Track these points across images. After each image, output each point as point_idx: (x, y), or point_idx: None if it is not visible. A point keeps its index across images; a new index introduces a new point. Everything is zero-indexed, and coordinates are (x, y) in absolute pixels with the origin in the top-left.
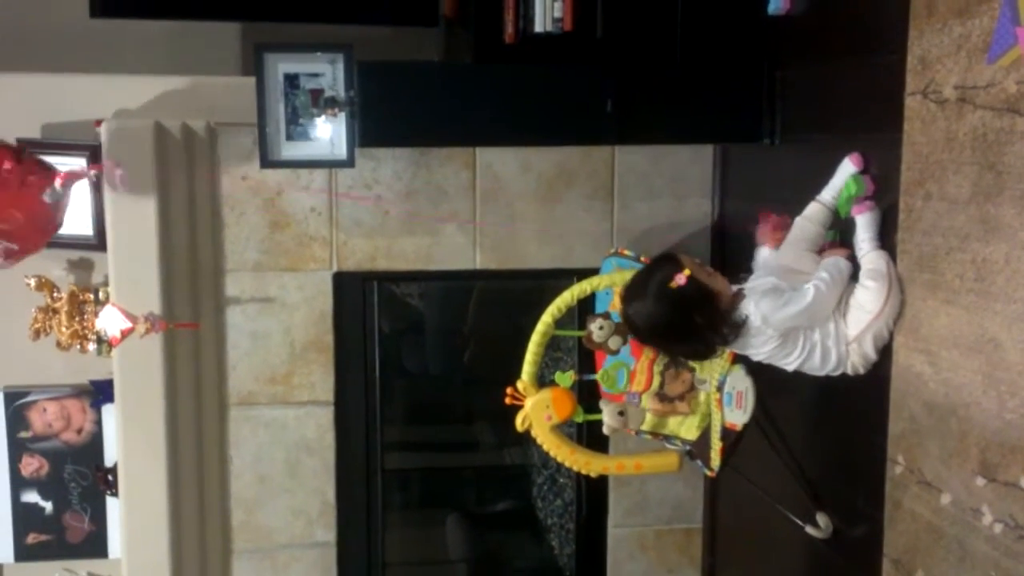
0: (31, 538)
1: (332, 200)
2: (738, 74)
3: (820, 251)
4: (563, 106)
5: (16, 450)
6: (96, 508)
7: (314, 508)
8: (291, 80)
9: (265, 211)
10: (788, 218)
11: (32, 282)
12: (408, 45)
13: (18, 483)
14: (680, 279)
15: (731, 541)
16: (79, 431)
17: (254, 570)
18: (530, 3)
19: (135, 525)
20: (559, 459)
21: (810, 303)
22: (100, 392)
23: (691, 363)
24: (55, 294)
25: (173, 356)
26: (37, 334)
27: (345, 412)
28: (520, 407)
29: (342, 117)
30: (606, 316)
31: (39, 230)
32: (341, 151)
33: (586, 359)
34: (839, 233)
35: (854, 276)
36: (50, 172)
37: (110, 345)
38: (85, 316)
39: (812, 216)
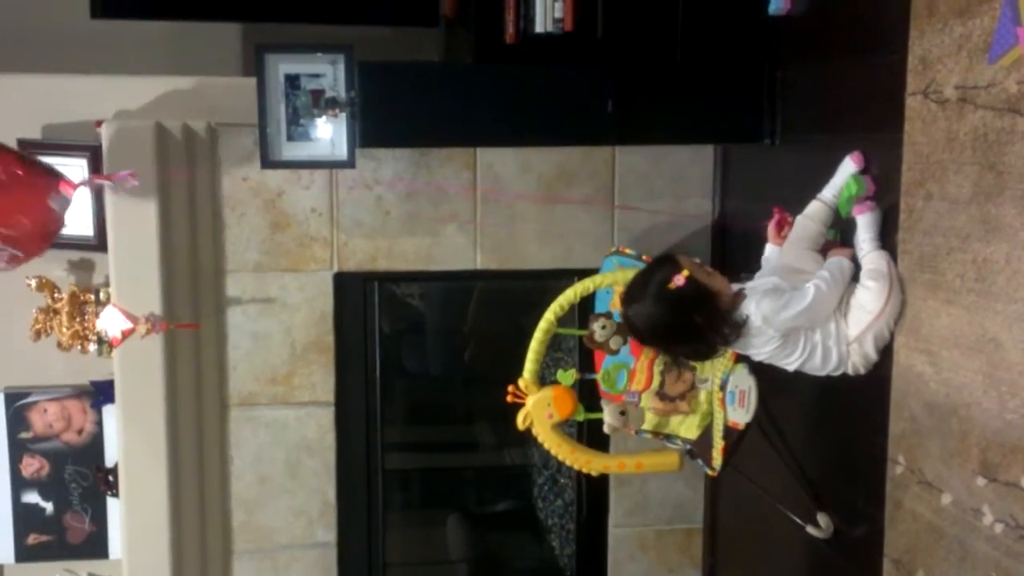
0: (32, 539)
1: (333, 200)
2: (739, 74)
3: (823, 251)
4: (563, 106)
5: (17, 451)
6: (97, 509)
7: (315, 508)
8: (292, 81)
9: (266, 212)
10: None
11: (33, 283)
12: (408, 45)
13: (19, 484)
14: (679, 280)
15: (732, 541)
16: (80, 432)
17: (255, 570)
18: (531, 3)
19: (136, 526)
20: (560, 458)
21: (810, 303)
22: (101, 393)
23: (693, 363)
24: (56, 295)
25: (174, 357)
26: (38, 335)
27: (346, 412)
28: (521, 405)
29: (343, 117)
30: (608, 316)
31: (44, 236)
32: (342, 151)
33: (587, 358)
34: (840, 233)
35: (855, 276)
36: (57, 179)
37: (111, 346)
38: (86, 317)
39: (813, 215)
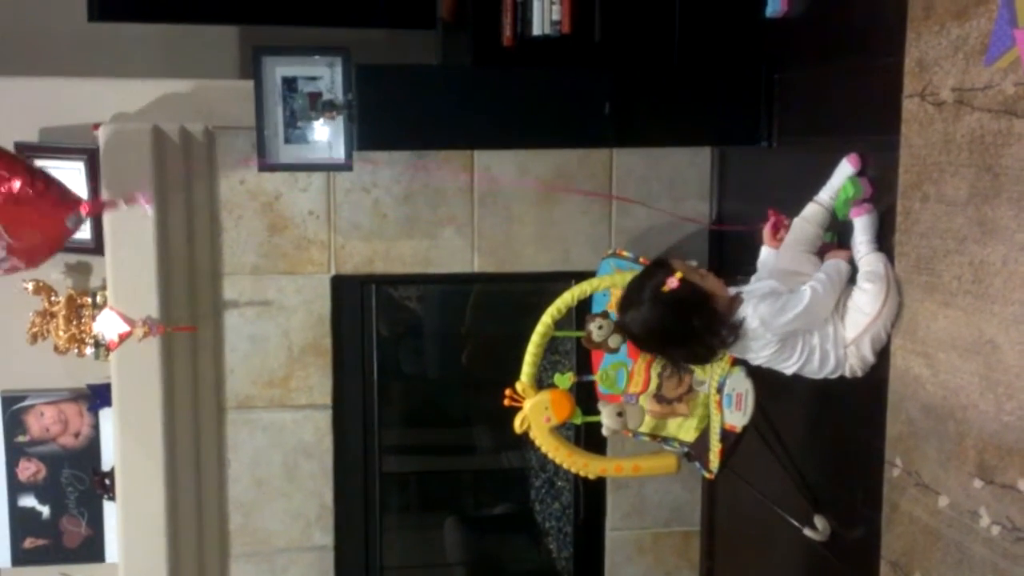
0: (28, 542)
1: (330, 203)
2: (736, 76)
3: (820, 253)
4: (561, 109)
5: (13, 454)
6: (93, 512)
7: (312, 511)
8: (289, 83)
9: (263, 214)
10: (788, 219)
11: (30, 286)
12: (406, 48)
13: (15, 487)
14: (672, 282)
15: (729, 544)
16: (76, 435)
17: (252, 574)
18: (528, 6)
19: (132, 529)
20: (557, 461)
21: (807, 305)
22: (97, 396)
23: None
24: (53, 298)
25: (171, 360)
26: (35, 338)
27: (343, 415)
28: (518, 409)
29: (340, 120)
30: (604, 315)
31: (50, 252)
32: (339, 154)
33: (584, 361)
34: (836, 235)
35: (852, 278)
36: (77, 200)
37: (108, 349)
38: (83, 320)
39: (810, 217)
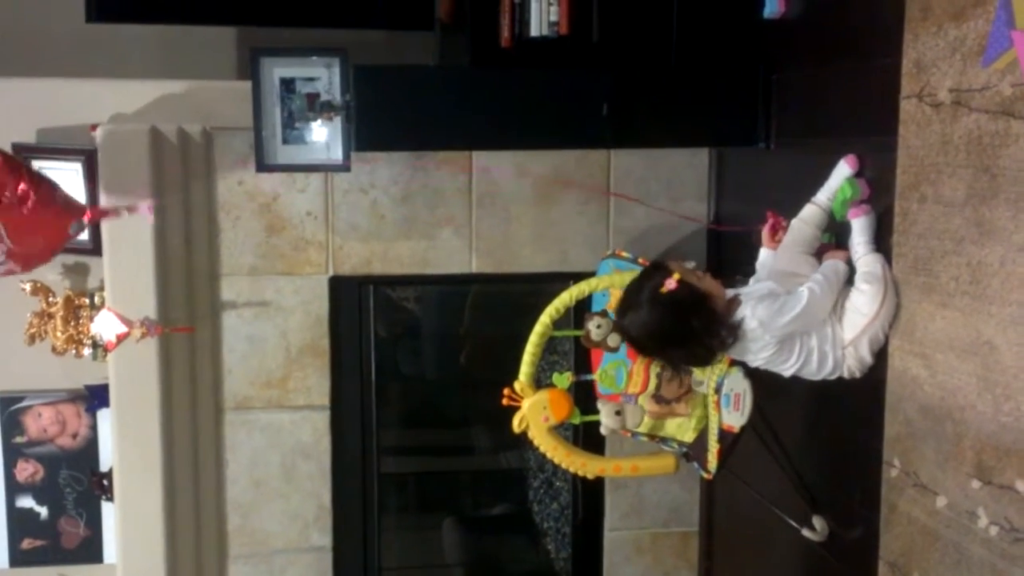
0: (26, 543)
1: (328, 204)
2: (733, 78)
3: (818, 254)
4: (559, 109)
5: (11, 455)
6: (91, 513)
7: (310, 512)
8: (287, 84)
9: (261, 215)
10: (786, 220)
11: (27, 287)
12: (404, 49)
13: (13, 488)
14: (670, 283)
15: (727, 544)
16: (74, 436)
17: (250, 575)
18: (526, 7)
19: (130, 530)
20: (556, 461)
21: (805, 306)
22: (95, 397)
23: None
24: (51, 299)
25: (169, 360)
26: (33, 339)
27: (341, 416)
28: (517, 409)
29: (338, 121)
30: (603, 314)
31: (46, 257)
32: (337, 155)
33: (583, 361)
34: (834, 236)
35: (850, 280)
36: (81, 208)
37: (105, 350)
38: (80, 321)
39: (807, 218)
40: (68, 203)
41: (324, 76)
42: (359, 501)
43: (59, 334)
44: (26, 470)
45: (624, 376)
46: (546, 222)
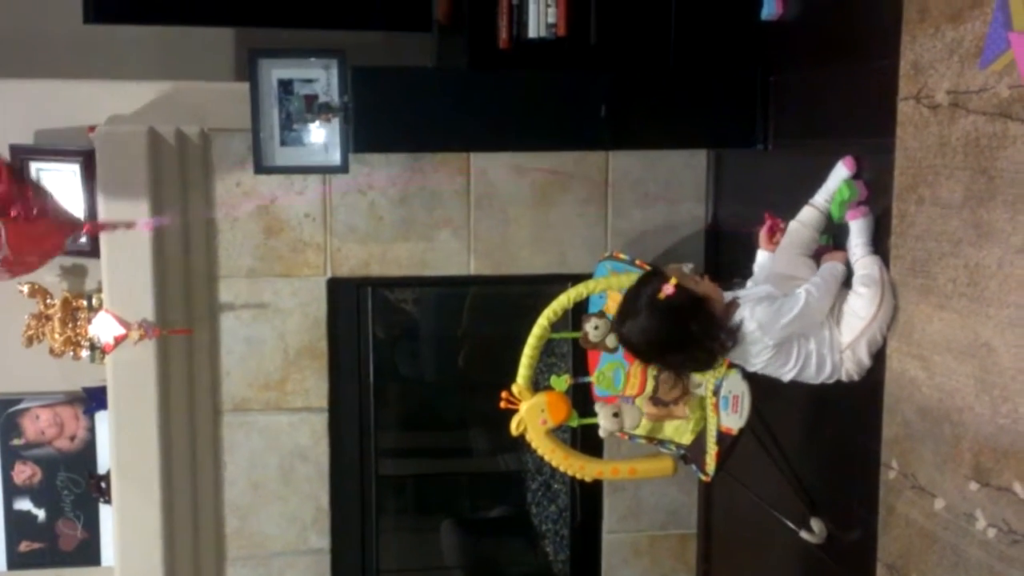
0: (23, 546)
1: (326, 205)
2: (731, 79)
3: (816, 256)
4: (557, 111)
5: (9, 457)
6: (89, 516)
7: (308, 515)
8: (285, 86)
9: (259, 217)
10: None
11: (25, 289)
12: (402, 51)
13: (10, 491)
14: (668, 289)
15: (726, 546)
16: (72, 438)
17: None
18: (524, 8)
19: (128, 532)
20: (554, 463)
21: (802, 308)
22: (93, 399)
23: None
24: (48, 301)
25: (166, 362)
26: (30, 341)
27: (339, 418)
28: (515, 411)
29: (336, 122)
30: (601, 315)
31: (36, 267)
32: (335, 156)
33: (581, 363)
34: (832, 237)
35: (847, 282)
36: (80, 223)
37: (103, 352)
38: (78, 323)
39: (806, 220)
40: (68, 218)
41: (322, 77)
42: (357, 503)
43: (57, 336)
44: (24, 472)
45: (622, 378)
46: (544, 224)
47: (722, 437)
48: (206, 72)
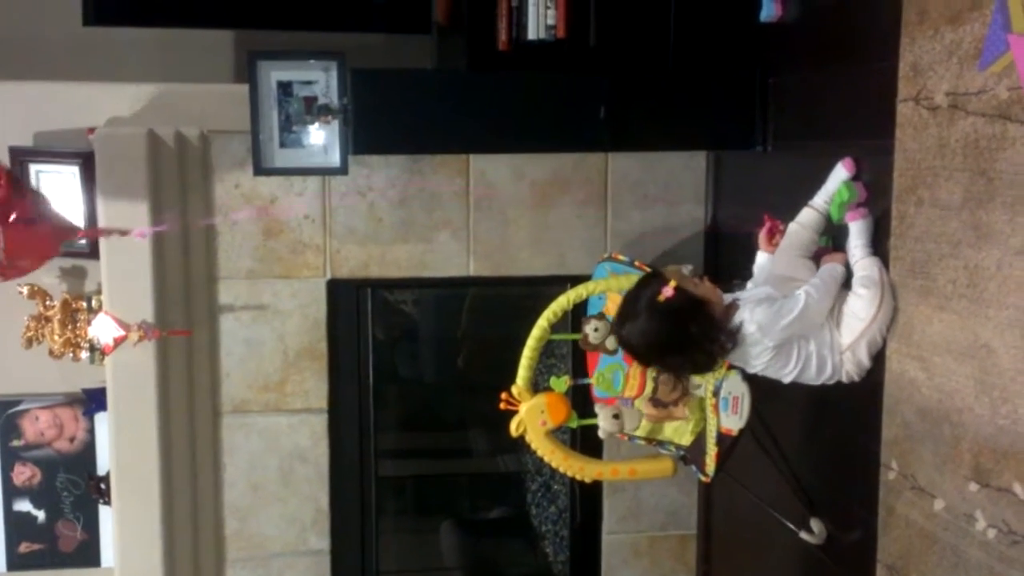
0: (23, 547)
1: (325, 207)
2: (730, 81)
3: (815, 257)
4: (556, 113)
5: (8, 459)
6: (89, 517)
7: (308, 516)
8: (284, 88)
9: (258, 218)
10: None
11: (24, 290)
12: (401, 52)
13: (10, 492)
14: (667, 291)
15: (725, 547)
16: (72, 439)
17: None
18: (523, 10)
19: (128, 534)
20: (553, 465)
21: (802, 310)
22: (93, 400)
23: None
24: (48, 302)
25: (166, 364)
26: (30, 342)
27: (339, 419)
28: (515, 412)
29: (335, 124)
30: (600, 317)
31: (28, 272)
32: (334, 158)
33: (580, 364)
34: (831, 239)
35: (847, 283)
36: (75, 228)
37: (103, 353)
38: (78, 324)
39: (805, 221)
40: (64, 223)
41: (321, 79)
42: (357, 504)
43: (56, 337)
44: (23, 474)
45: (621, 380)
46: (543, 225)
47: (722, 438)
48: (205, 74)
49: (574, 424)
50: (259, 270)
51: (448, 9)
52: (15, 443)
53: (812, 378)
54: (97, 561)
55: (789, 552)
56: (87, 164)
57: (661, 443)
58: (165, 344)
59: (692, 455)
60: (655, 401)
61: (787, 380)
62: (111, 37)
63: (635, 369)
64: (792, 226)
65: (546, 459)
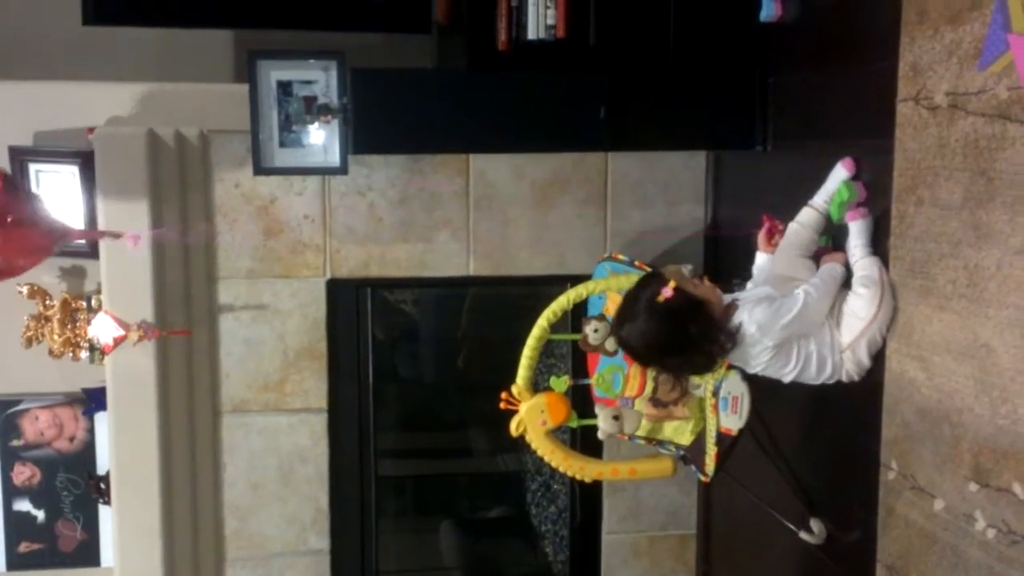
0: (23, 547)
1: (325, 207)
2: (730, 81)
3: (815, 257)
4: (556, 113)
5: (8, 458)
6: (88, 516)
7: (307, 515)
8: (284, 87)
9: (258, 218)
10: (783, 223)
11: (24, 290)
12: (401, 52)
13: (10, 492)
14: (667, 292)
15: (725, 547)
16: (71, 439)
17: None
18: (523, 10)
19: (128, 533)
20: (553, 464)
21: (801, 309)
22: (92, 400)
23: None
24: (47, 302)
25: (166, 364)
26: (29, 342)
27: (338, 419)
28: (514, 412)
29: (335, 124)
30: (600, 318)
31: (19, 273)
32: (334, 158)
33: (580, 364)
34: (831, 239)
35: (847, 283)
36: (69, 231)
37: (103, 353)
38: (77, 324)
39: (805, 221)
40: (59, 226)
41: (321, 79)
42: (357, 504)
43: (56, 337)
44: (23, 473)
45: (621, 380)
46: (543, 225)
47: (721, 438)
48: (205, 74)
49: (574, 424)
50: (259, 270)
51: (448, 9)
52: (15, 443)
53: (812, 378)
54: (97, 561)
55: (789, 552)
56: (87, 164)
57: (661, 443)
58: (165, 344)
59: (692, 455)
60: (655, 401)
61: (787, 380)
62: (111, 37)
63: (635, 369)
64: (792, 226)
65: (546, 459)
